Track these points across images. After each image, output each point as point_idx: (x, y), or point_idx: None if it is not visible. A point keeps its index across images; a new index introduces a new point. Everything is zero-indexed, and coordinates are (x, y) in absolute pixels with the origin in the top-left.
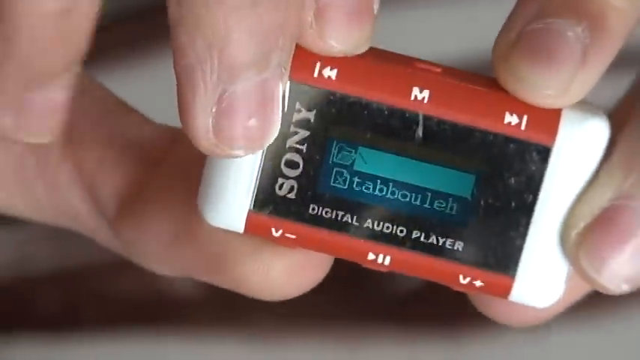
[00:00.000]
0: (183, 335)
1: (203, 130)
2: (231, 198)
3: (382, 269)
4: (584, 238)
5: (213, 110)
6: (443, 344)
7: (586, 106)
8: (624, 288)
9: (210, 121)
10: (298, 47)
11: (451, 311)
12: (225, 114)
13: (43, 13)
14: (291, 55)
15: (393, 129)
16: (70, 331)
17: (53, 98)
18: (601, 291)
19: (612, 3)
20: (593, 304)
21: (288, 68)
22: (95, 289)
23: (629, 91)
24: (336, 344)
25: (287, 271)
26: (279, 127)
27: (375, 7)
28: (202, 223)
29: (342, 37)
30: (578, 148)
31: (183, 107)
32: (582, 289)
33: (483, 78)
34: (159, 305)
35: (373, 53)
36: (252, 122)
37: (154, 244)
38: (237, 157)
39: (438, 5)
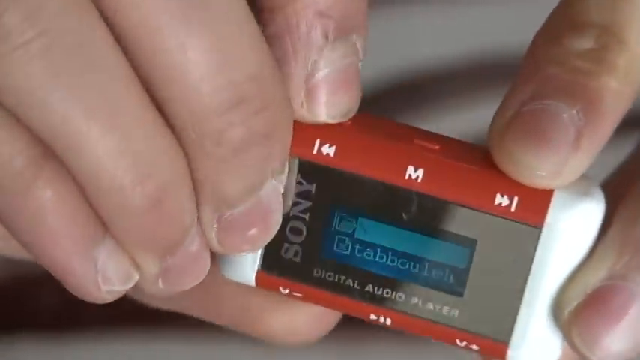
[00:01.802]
0: (184, 335)
1: (210, 241)
2: (243, 257)
3: (386, 327)
4: (577, 316)
5: (215, 227)
6: (444, 346)
7: (582, 185)
8: None
9: (213, 235)
10: (297, 123)
11: None
12: (225, 231)
13: (134, 210)
14: (285, 166)
15: (389, 204)
16: (70, 331)
17: (186, 256)
18: None
19: (609, 85)
20: None
21: (283, 176)
22: None
23: (627, 160)
24: (337, 345)
25: (309, 320)
26: (281, 218)
27: (358, 75)
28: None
29: (331, 112)
30: (569, 229)
31: None
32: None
33: (480, 152)
34: None
35: (374, 124)
36: (253, 232)
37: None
38: (244, 254)
39: (439, 5)
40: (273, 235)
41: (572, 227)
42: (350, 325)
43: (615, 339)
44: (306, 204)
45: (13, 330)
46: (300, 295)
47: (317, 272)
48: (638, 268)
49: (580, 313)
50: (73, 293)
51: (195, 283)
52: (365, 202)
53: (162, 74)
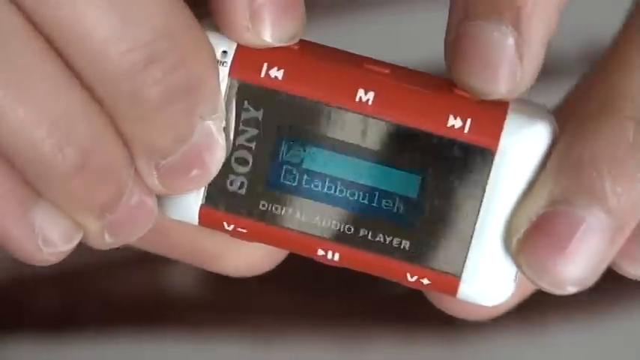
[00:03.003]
0: (184, 335)
1: (154, 187)
2: (186, 195)
3: (333, 264)
4: (524, 245)
5: (155, 174)
6: (443, 344)
7: (533, 107)
8: (570, 290)
9: (156, 182)
10: (244, 48)
11: None
12: (165, 177)
13: (59, 175)
14: (218, 105)
15: (339, 129)
16: (69, 331)
17: (126, 209)
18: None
19: None
20: (592, 304)
21: (219, 115)
22: (95, 289)
23: (569, 92)
24: (337, 344)
25: (265, 256)
26: (225, 152)
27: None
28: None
29: (277, 33)
30: (521, 151)
31: None
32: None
33: (433, 79)
34: (159, 305)
35: (323, 51)
36: (195, 172)
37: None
38: (191, 193)
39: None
40: (217, 171)
41: (525, 149)
42: (348, 323)
43: (565, 266)
44: (253, 132)
45: (12, 330)
46: (244, 231)
47: (263, 205)
48: (578, 190)
49: (526, 241)
50: (18, 258)
51: (144, 232)
52: (314, 129)
53: (68, 43)
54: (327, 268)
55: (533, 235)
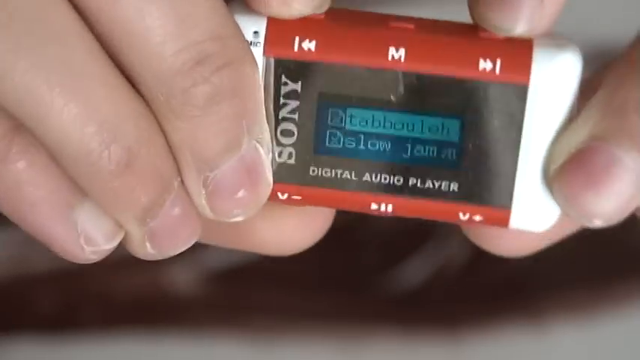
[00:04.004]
0: (184, 335)
1: (202, 208)
2: None
3: (387, 215)
4: (560, 174)
5: (203, 193)
6: (443, 344)
7: (557, 40)
8: (596, 223)
9: (204, 202)
10: (275, 22)
11: (451, 311)
12: (213, 195)
13: (104, 174)
14: (263, 126)
15: (376, 89)
16: (69, 331)
17: (169, 217)
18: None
19: None
20: (592, 304)
21: (264, 139)
22: (95, 289)
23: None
24: (337, 344)
25: (298, 227)
26: (271, 180)
27: None
28: None
29: (305, 1)
30: (552, 82)
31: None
32: (572, 225)
33: (456, 25)
34: (159, 305)
35: (348, 17)
36: (242, 194)
37: None
38: (238, 220)
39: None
40: (265, 199)
41: (556, 80)
42: (348, 323)
43: (596, 199)
44: (294, 103)
45: (12, 330)
46: (298, 197)
47: (313, 171)
48: (619, 132)
49: (563, 171)
50: (60, 256)
51: (186, 247)
52: (351, 92)
53: (123, 41)
54: (327, 268)
55: (571, 166)
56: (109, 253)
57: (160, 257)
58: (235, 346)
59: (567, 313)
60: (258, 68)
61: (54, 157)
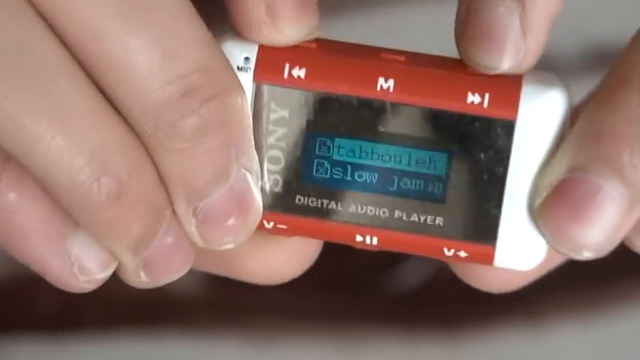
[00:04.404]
0: (184, 335)
1: (192, 237)
2: None
3: (372, 249)
4: (544, 209)
5: (193, 222)
6: (443, 344)
7: (546, 76)
8: (586, 255)
9: (194, 230)
10: (266, 49)
11: (451, 311)
12: (203, 224)
13: (95, 205)
14: (251, 154)
15: (364, 118)
16: (69, 331)
17: (162, 247)
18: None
19: None
20: (593, 304)
21: (253, 167)
22: (95, 290)
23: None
24: (336, 344)
25: (286, 258)
26: (261, 208)
27: None
28: None
29: (294, 26)
30: (539, 118)
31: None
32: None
33: (446, 60)
34: (159, 305)
35: (339, 47)
36: (232, 222)
37: None
38: (229, 247)
39: (440, 5)
40: (255, 226)
41: (543, 116)
42: (348, 323)
43: (582, 231)
44: (282, 130)
45: (12, 330)
46: (284, 227)
47: (299, 200)
48: (597, 160)
49: (546, 205)
50: (55, 285)
51: (180, 275)
52: (340, 121)
53: (110, 76)
54: (327, 268)
55: (554, 200)
56: (103, 281)
57: (153, 285)
58: (235, 346)
59: (566, 314)
60: (245, 97)
61: (45, 188)
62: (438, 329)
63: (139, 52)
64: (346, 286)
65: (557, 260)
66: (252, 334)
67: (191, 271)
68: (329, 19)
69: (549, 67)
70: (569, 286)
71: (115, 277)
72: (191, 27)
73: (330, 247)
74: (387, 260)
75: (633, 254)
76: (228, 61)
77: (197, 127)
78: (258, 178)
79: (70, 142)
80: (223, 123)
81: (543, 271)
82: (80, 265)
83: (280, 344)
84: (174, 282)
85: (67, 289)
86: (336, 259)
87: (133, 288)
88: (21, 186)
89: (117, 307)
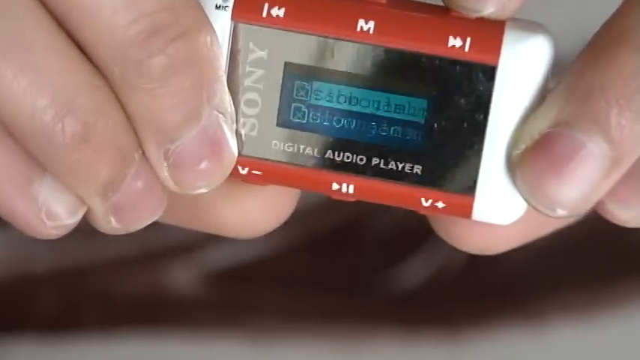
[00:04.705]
0: (183, 335)
1: (165, 181)
2: None
3: (348, 198)
4: (522, 160)
5: (165, 165)
6: (443, 344)
7: (529, 24)
8: (559, 212)
9: (167, 174)
10: None
11: (451, 311)
12: (175, 167)
13: (61, 147)
14: (224, 96)
15: (344, 61)
16: (69, 331)
17: (131, 191)
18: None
19: None
20: (592, 304)
21: (226, 109)
22: (95, 289)
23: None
24: (336, 344)
25: (261, 207)
26: (236, 151)
27: None
28: None
29: None
30: (521, 65)
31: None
32: (546, 225)
33: (428, 5)
34: (159, 305)
35: None
36: (204, 165)
37: None
38: (202, 192)
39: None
40: (229, 170)
41: (526, 62)
42: (348, 323)
43: (558, 186)
44: (260, 72)
45: (13, 330)
46: (259, 173)
47: (275, 145)
48: (583, 116)
49: (526, 157)
50: (23, 231)
51: (151, 220)
52: (319, 63)
53: (75, 15)
54: (327, 268)
55: (534, 152)
56: (72, 227)
57: (124, 231)
58: (235, 346)
59: (567, 313)
60: (216, 37)
61: (9, 131)
62: (438, 329)
63: None
64: (346, 286)
65: (541, 229)
66: (252, 334)
67: (191, 271)
68: None
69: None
70: (569, 286)
71: (115, 277)
72: None
73: (331, 247)
74: (387, 260)
75: (633, 254)
76: (197, 0)
77: (165, 66)
78: (233, 122)
79: (33, 82)
80: (192, 62)
81: (525, 239)
82: (48, 211)
83: (280, 344)
84: (174, 282)
85: (35, 235)
86: (337, 259)
87: (133, 287)
88: None
89: (117, 307)
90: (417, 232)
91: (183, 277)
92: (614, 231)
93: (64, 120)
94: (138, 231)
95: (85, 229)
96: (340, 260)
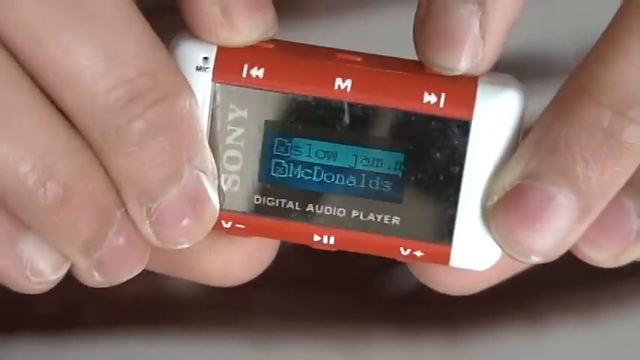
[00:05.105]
0: (184, 335)
1: (148, 237)
2: None
3: (330, 249)
4: (496, 212)
5: (147, 223)
6: (443, 344)
7: (501, 77)
8: (534, 260)
9: (150, 230)
10: (224, 50)
11: (451, 311)
12: (157, 224)
13: (43, 209)
14: (205, 155)
15: (322, 118)
16: (70, 331)
17: (114, 248)
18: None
19: None
20: (593, 304)
21: (208, 167)
22: (95, 290)
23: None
24: (337, 345)
25: (243, 259)
26: (218, 207)
27: None
28: None
29: (250, 26)
30: (494, 118)
31: None
32: (520, 265)
33: (404, 61)
34: (159, 305)
35: (297, 48)
36: (186, 222)
37: None
38: (185, 247)
39: None
40: (211, 226)
41: (499, 115)
42: (348, 323)
43: (532, 237)
44: (240, 130)
45: (13, 330)
46: (242, 226)
47: (257, 199)
48: (551, 169)
49: (498, 208)
50: (8, 287)
51: (134, 273)
52: (298, 121)
53: (55, 82)
54: (327, 268)
55: (506, 204)
56: (56, 282)
57: (108, 285)
58: (236, 346)
59: (567, 314)
60: (195, 99)
61: None
62: (438, 329)
63: (82, 57)
64: (346, 286)
65: (517, 267)
66: (252, 334)
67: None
68: (318, 20)
69: (549, 67)
70: (569, 286)
71: None
72: (135, 31)
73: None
74: (387, 260)
75: None
76: (175, 64)
77: (143, 130)
78: (215, 178)
79: (15, 149)
80: (171, 126)
81: (500, 278)
82: (32, 268)
83: (280, 344)
84: (174, 282)
85: (20, 291)
86: (337, 260)
87: (134, 288)
88: None
89: (117, 307)
90: None
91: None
92: None
93: (46, 184)
94: None
95: None
96: (340, 260)
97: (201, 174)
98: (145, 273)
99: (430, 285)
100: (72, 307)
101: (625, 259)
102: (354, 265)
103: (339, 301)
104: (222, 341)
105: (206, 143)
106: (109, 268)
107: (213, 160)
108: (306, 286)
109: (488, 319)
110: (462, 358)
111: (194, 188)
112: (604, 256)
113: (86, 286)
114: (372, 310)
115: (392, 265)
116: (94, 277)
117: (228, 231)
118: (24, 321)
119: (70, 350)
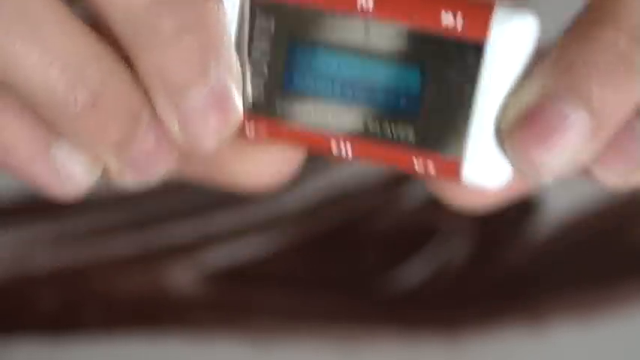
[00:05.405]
0: (184, 335)
1: (175, 136)
2: None
3: (348, 160)
4: (511, 131)
5: (175, 121)
6: (443, 344)
7: (518, 6)
8: (545, 177)
9: (177, 128)
10: None
11: (450, 311)
12: (184, 122)
13: (74, 114)
14: (231, 60)
15: (344, 34)
16: (70, 331)
17: (143, 147)
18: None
19: None
20: (593, 303)
21: (233, 71)
22: (95, 289)
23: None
24: (336, 344)
25: (269, 161)
26: (241, 109)
27: None
28: None
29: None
30: (509, 42)
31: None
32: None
33: None
34: (159, 305)
35: None
36: (212, 122)
37: None
38: (212, 149)
39: None
40: (235, 128)
41: (513, 40)
42: (348, 323)
43: (544, 155)
44: (266, 41)
45: (13, 330)
46: (264, 133)
47: (280, 107)
48: (566, 89)
49: (513, 127)
50: (45, 193)
51: (164, 173)
52: (321, 35)
53: None
54: (327, 268)
55: (520, 123)
56: (89, 187)
57: (142, 185)
58: (235, 346)
59: (567, 313)
60: (224, 6)
61: (26, 102)
62: (438, 329)
63: None
64: (346, 286)
65: (524, 188)
66: (252, 334)
67: (192, 271)
68: None
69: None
70: (570, 286)
71: (115, 277)
72: None
73: (331, 247)
74: (387, 260)
75: (633, 254)
76: None
77: (174, 26)
78: (240, 84)
79: (44, 55)
80: (201, 25)
81: (512, 197)
82: (66, 171)
83: (280, 344)
84: (174, 282)
85: (57, 195)
86: (337, 259)
87: (134, 287)
88: (4, 102)
89: (117, 306)
90: (417, 232)
91: (183, 277)
92: (614, 231)
93: (76, 88)
94: (138, 231)
95: (85, 229)
96: (340, 260)
97: (227, 77)
98: (144, 272)
99: (443, 198)
100: (72, 306)
101: (635, 180)
102: (354, 265)
103: (339, 301)
104: (222, 341)
105: (233, 50)
106: (141, 168)
107: (239, 66)
108: (306, 286)
109: (488, 319)
110: (462, 358)
111: (221, 90)
112: (614, 175)
113: (86, 286)
114: (372, 310)
115: (392, 265)
116: (126, 178)
117: (252, 139)
118: (24, 320)
119: (70, 350)
